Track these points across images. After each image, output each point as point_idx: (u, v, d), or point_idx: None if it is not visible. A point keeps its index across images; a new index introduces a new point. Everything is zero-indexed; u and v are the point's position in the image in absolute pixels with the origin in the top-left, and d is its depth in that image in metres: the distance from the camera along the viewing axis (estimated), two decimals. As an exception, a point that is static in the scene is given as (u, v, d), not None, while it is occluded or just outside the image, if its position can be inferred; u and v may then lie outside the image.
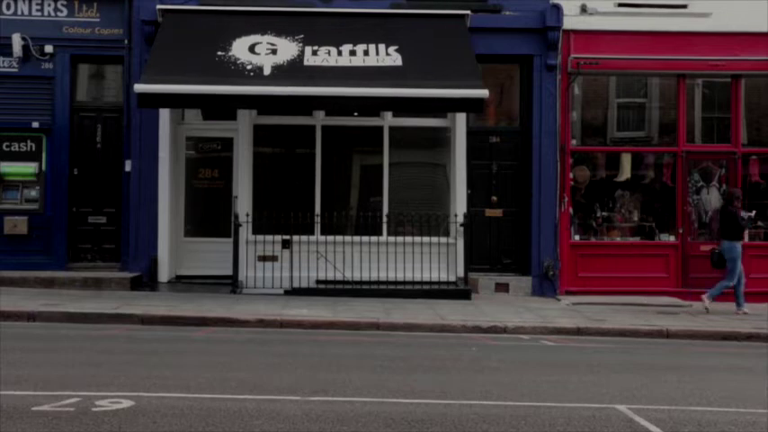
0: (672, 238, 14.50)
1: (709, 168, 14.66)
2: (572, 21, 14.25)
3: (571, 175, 14.42)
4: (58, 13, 13.99)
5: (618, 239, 14.60)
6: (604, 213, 14.65)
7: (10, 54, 13.78)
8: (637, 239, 14.63)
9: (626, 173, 14.66)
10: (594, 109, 14.97)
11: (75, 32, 14.00)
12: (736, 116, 14.55)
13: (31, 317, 10.92)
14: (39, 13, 13.96)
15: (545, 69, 14.30)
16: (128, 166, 14.01)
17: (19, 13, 13.94)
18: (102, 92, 14.63)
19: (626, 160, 14.67)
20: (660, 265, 14.35)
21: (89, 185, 14.25)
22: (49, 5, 13.98)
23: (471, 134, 14.39)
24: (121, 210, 14.15)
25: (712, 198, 14.62)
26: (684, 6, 14.48)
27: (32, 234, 13.89)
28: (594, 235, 14.61)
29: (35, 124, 14.02)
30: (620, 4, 14.45)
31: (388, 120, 14.41)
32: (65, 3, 13.98)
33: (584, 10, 14.30)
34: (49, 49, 13.91)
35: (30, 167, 14.02)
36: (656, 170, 14.80)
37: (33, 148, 14.06)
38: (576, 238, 14.47)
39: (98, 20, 14.02)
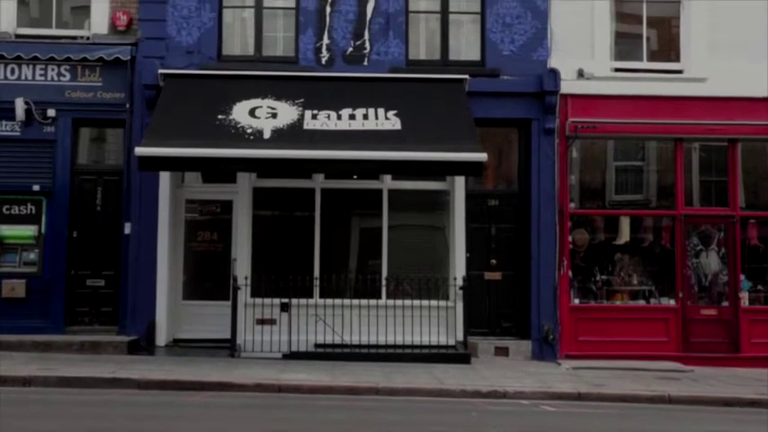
0: (672, 302, 14.44)
1: (707, 232, 14.69)
2: (569, 85, 14.41)
3: (570, 239, 14.43)
4: (62, 78, 14.15)
5: (618, 303, 14.53)
6: (604, 277, 14.62)
7: (13, 118, 13.90)
8: (637, 303, 14.57)
9: (625, 236, 14.68)
10: (593, 172, 15.03)
11: (78, 96, 14.15)
12: (733, 180, 14.63)
13: (27, 382, 10.80)
14: (42, 78, 14.13)
15: (543, 133, 14.42)
16: (127, 229, 14.03)
17: (23, 78, 14.10)
18: (102, 155, 14.72)
19: (625, 223, 14.70)
20: (661, 330, 14.27)
21: (88, 248, 14.23)
22: (53, 70, 14.15)
23: (470, 197, 14.45)
24: (120, 272, 14.11)
25: (711, 262, 14.62)
26: (680, 72, 14.72)
27: (30, 297, 13.84)
28: (594, 298, 14.56)
29: (36, 187, 14.06)
30: (617, 69, 14.66)
31: (387, 183, 14.47)
32: (68, 68, 14.14)
33: (581, 74, 14.47)
34: (51, 112, 14.04)
35: (29, 230, 14.03)
36: (655, 233, 14.81)
37: (33, 211, 14.08)
38: (576, 301, 14.41)
39: (100, 84, 14.17)
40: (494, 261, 14.52)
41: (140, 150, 12.49)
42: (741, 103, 14.33)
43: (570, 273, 14.37)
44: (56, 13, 14.54)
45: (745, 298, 14.43)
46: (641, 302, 14.58)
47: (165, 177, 14.07)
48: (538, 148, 14.43)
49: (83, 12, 14.52)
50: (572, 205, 14.56)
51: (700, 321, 14.31)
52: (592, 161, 14.99)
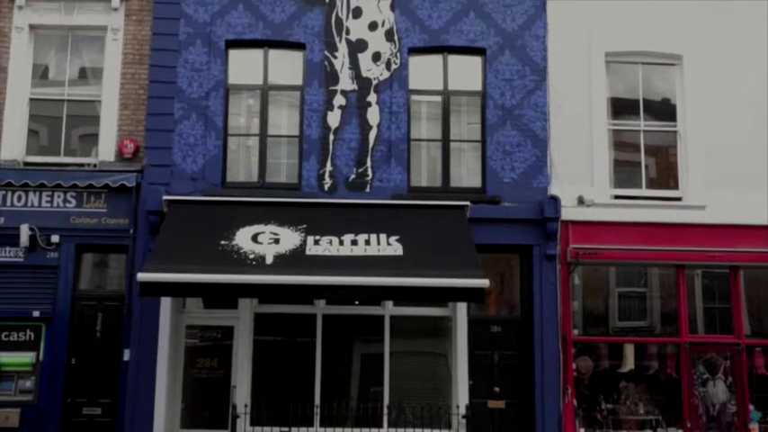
0: (680, 432, 14.17)
1: (713, 360, 14.49)
2: (570, 212, 14.53)
3: (574, 366, 14.24)
4: (67, 204, 14.31)
5: (624, 433, 14.26)
6: (609, 405, 14.33)
7: (17, 244, 13.97)
8: (644, 433, 14.30)
9: (629, 364, 14.47)
10: (595, 298, 14.96)
11: (82, 222, 14.27)
12: (737, 307, 14.56)
13: None
14: (48, 205, 14.28)
15: (545, 259, 14.44)
16: (126, 356, 13.87)
17: (29, 204, 14.26)
18: (104, 280, 14.70)
19: (629, 351, 14.52)
20: (670, 462, 13.97)
21: (86, 375, 14.04)
22: (59, 197, 14.33)
23: (472, 323, 14.35)
24: (117, 400, 13.87)
25: (719, 391, 14.37)
26: (679, 199, 14.85)
27: (24, 427, 13.52)
28: (600, 428, 14.22)
29: (36, 313, 14.00)
30: (616, 196, 14.80)
31: (389, 309, 14.42)
32: (74, 194, 14.33)
33: (581, 201, 14.60)
34: (55, 238, 14.12)
35: (27, 357, 13.87)
36: (660, 361, 14.61)
37: (32, 338, 13.96)
38: (582, 431, 14.10)
39: (105, 210, 14.32)
40: (497, 389, 14.26)
41: (142, 276, 12.49)
42: (741, 231, 14.40)
43: (575, 401, 14.12)
44: (64, 141, 14.81)
45: (755, 429, 14.09)
46: (649, 432, 14.32)
47: (166, 303, 14.04)
48: (540, 275, 14.42)
49: (91, 140, 14.81)
50: (575, 332, 14.44)
51: (710, 453, 14.01)
52: (594, 287, 14.94)
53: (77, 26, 14.97)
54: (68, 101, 14.92)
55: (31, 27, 14.90)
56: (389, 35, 15.11)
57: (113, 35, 14.88)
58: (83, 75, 15.10)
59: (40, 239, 14.10)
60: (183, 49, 14.88)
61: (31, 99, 14.83)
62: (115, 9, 14.87)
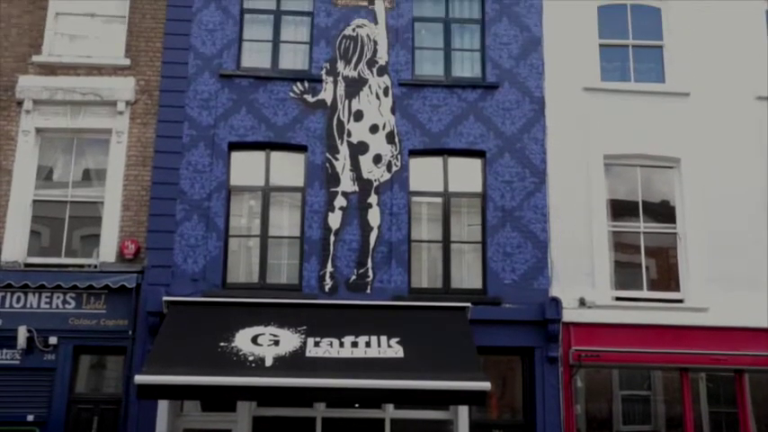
0: None
1: (722, 467, 14.24)
2: (571, 314, 14.44)
3: (578, 472, 13.97)
4: (66, 306, 14.23)
5: None
6: None
7: (14, 346, 13.82)
8: None
9: (636, 470, 14.22)
10: (598, 401, 14.72)
11: (81, 324, 14.15)
12: (743, 411, 14.31)
13: None
14: (47, 306, 14.20)
15: (546, 361, 14.28)
16: (121, 461, 13.65)
17: (28, 306, 14.19)
18: (101, 382, 14.49)
19: (635, 456, 14.29)
20: None
21: (79, 482, 13.76)
22: (58, 298, 14.27)
23: (474, 427, 14.09)
24: None
25: (729, 499, 14.07)
26: (681, 301, 14.79)
27: None
28: None
29: (30, 417, 13.73)
30: (618, 298, 14.75)
31: (389, 412, 14.19)
32: (74, 295, 14.27)
33: (582, 303, 14.54)
34: (53, 340, 13.98)
35: (17, 465, 13.64)
36: (667, 467, 14.35)
37: (25, 443, 13.76)
38: None
39: (104, 311, 14.23)
40: (501, 495, 14.00)
41: (140, 378, 12.33)
42: (744, 334, 14.29)
43: None
44: (66, 242, 14.85)
45: None
46: None
47: (163, 406, 13.82)
48: (542, 377, 14.24)
49: (92, 241, 14.86)
50: (579, 436, 14.21)
51: None
52: (597, 390, 14.73)
53: (83, 129, 15.18)
54: (71, 202, 15.01)
55: (38, 130, 15.13)
56: (390, 138, 15.33)
57: (118, 138, 15.09)
58: (86, 176, 15.25)
59: (37, 341, 13.96)
60: (186, 151, 15.07)
61: (35, 200, 14.93)
62: (120, 113, 15.11)
